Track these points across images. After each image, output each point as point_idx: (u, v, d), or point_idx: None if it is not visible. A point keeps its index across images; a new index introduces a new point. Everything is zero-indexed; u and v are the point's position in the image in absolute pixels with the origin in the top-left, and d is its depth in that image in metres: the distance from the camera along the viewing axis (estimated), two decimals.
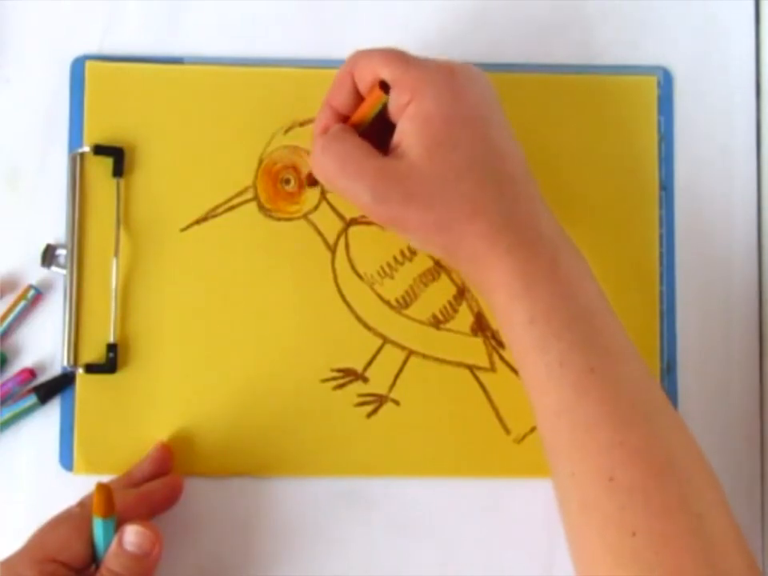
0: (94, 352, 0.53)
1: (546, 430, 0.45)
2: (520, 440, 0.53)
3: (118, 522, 0.47)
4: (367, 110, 0.48)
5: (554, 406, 0.44)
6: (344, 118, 0.49)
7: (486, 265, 0.45)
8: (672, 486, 0.42)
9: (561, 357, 0.44)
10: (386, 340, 0.53)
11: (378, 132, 0.48)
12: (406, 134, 0.46)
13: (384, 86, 0.46)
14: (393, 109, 0.47)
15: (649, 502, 0.41)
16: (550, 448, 0.45)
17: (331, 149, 0.47)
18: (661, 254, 0.54)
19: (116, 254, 0.53)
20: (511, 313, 0.45)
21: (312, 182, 0.53)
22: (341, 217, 0.54)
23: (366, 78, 0.47)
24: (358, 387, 0.53)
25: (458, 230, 0.45)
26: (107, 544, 0.46)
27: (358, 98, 0.48)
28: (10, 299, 0.53)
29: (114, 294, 0.53)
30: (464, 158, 0.45)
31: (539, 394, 0.45)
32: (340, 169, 0.47)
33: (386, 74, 0.46)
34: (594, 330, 0.45)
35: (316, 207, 0.54)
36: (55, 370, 0.53)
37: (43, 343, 0.53)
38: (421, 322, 0.53)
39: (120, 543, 0.46)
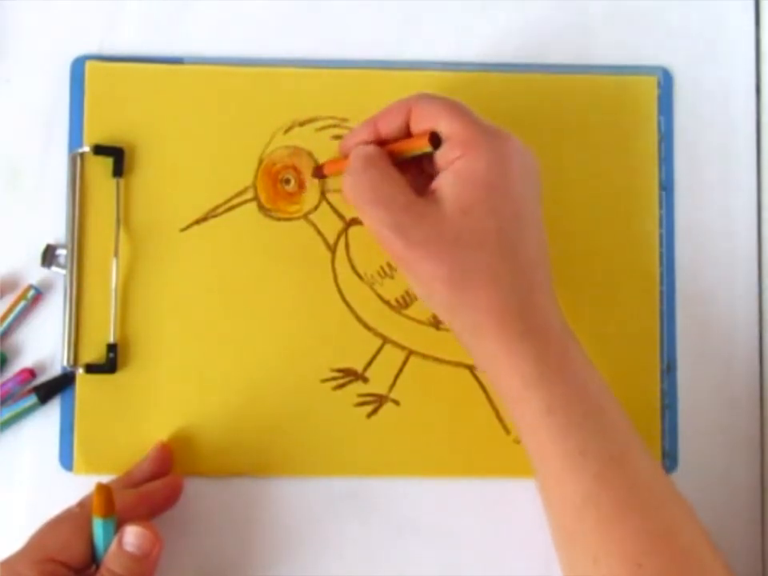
0: (94, 352, 0.53)
1: (564, 517, 0.45)
2: (520, 440, 0.53)
3: (117, 522, 0.47)
4: (407, 149, 0.48)
5: (576, 495, 0.44)
6: (380, 142, 0.48)
7: (496, 346, 0.45)
8: (696, 571, 0.43)
9: (581, 446, 0.44)
10: (385, 340, 0.53)
11: (411, 167, 0.48)
12: (447, 184, 0.46)
13: (434, 139, 0.46)
14: (441, 158, 0.47)
15: None
16: (568, 535, 0.45)
17: (369, 174, 0.47)
18: (661, 253, 0.54)
19: (116, 254, 0.53)
20: (525, 401, 0.45)
21: (319, 174, 0.53)
22: (341, 217, 0.54)
23: (422, 120, 0.47)
24: (357, 387, 0.53)
25: (469, 293, 0.45)
26: (107, 544, 0.46)
27: (405, 132, 0.48)
28: (9, 299, 0.53)
29: (113, 294, 0.53)
30: (494, 227, 0.45)
31: (558, 482, 0.45)
32: (370, 195, 0.47)
33: (443, 126, 0.46)
34: (608, 418, 0.45)
35: (316, 207, 0.54)
36: (55, 370, 0.53)
37: (43, 343, 0.53)
38: (421, 322, 0.53)
39: (120, 544, 0.46)
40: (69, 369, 0.52)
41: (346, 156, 0.49)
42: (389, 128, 0.48)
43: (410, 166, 0.48)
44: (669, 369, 0.54)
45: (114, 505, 0.46)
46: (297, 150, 0.54)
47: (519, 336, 0.45)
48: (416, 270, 0.46)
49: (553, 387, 0.44)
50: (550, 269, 0.47)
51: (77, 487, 0.50)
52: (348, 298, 0.53)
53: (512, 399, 0.46)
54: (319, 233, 0.54)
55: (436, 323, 0.53)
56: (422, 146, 0.47)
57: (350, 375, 0.53)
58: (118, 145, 0.53)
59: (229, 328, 0.53)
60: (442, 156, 0.46)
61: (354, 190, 0.47)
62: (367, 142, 0.48)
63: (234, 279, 0.53)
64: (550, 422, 0.44)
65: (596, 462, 0.44)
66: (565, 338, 0.46)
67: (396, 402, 0.53)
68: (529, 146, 0.48)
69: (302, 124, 0.54)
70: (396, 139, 0.48)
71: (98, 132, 0.53)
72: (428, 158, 0.47)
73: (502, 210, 0.46)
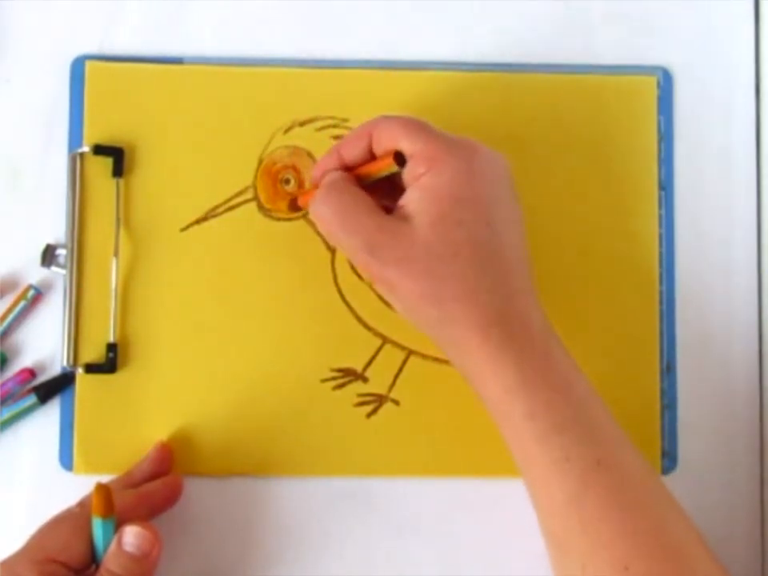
0: (93, 352, 0.53)
1: (551, 522, 0.45)
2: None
3: (117, 522, 0.47)
4: (374, 171, 0.48)
5: (561, 498, 0.44)
6: (348, 168, 0.49)
7: (478, 356, 0.45)
8: (686, 572, 0.42)
9: (566, 451, 0.44)
10: (385, 340, 0.53)
11: (378, 187, 0.48)
12: (414, 201, 0.46)
13: (398, 158, 0.46)
14: (406, 175, 0.47)
15: None
16: (556, 540, 0.45)
17: (331, 199, 0.47)
18: (661, 253, 0.54)
19: (116, 254, 0.53)
20: (509, 407, 0.45)
21: (294, 207, 0.53)
22: None
23: (383, 142, 0.47)
24: (357, 387, 0.53)
25: (447, 307, 0.45)
26: (107, 544, 0.46)
27: (369, 156, 0.48)
28: (9, 299, 0.53)
29: (113, 294, 0.53)
30: (465, 238, 0.45)
31: (543, 487, 0.45)
32: (339, 221, 0.46)
33: (405, 145, 0.46)
34: (594, 421, 0.45)
35: None
36: (55, 370, 0.53)
37: (43, 343, 0.53)
38: None
39: (119, 544, 0.46)
40: (69, 369, 0.52)
41: (317, 186, 0.49)
42: (352, 154, 0.48)
43: (379, 186, 0.48)
44: (668, 369, 0.54)
45: (113, 505, 0.46)
46: (297, 150, 0.54)
47: (499, 345, 0.44)
48: (394, 288, 0.46)
49: (535, 393, 0.44)
50: (531, 272, 0.47)
51: (77, 487, 0.50)
52: (348, 298, 0.53)
53: (495, 406, 0.46)
54: (319, 233, 0.54)
55: None
56: (387, 166, 0.47)
57: (349, 375, 0.53)
58: (117, 145, 0.53)
59: (229, 328, 0.53)
60: (408, 173, 0.46)
61: (322, 218, 0.47)
62: (334, 170, 0.49)
63: (234, 279, 0.53)
64: (533, 426, 0.44)
65: (580, 465, 0.43)
66: (547, 342, 0.46)
67: (396, 402, 0.53)
68: (497, 152, 0.47)
69: (302, 124, 0.54)
70: (361, 164, 0.48)
71: (98, 132, 0.53)
72: (397, 175, 0.47)
73: (472, 219, 0.45)
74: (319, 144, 0.54)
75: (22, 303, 0.53)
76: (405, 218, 0.46)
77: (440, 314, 0.45)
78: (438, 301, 0.45)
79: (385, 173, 0.47)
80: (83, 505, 0.48)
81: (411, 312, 0.47)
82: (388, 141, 0.47)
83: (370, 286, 0.53)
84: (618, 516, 0.43)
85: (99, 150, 0.53)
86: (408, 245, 0.45)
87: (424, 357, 0.53)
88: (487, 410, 0.47)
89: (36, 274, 0.53)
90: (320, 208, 0.47)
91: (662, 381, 0.54)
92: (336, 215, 0.47)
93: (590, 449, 0.44)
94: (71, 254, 0.53)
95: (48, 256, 0.53)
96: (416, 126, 0.47)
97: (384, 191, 0.48)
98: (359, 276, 0.53)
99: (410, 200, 0.46)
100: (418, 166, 0.46)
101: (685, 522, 0.44)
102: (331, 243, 0.48)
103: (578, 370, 0.46)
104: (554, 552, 0.45)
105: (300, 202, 0.52)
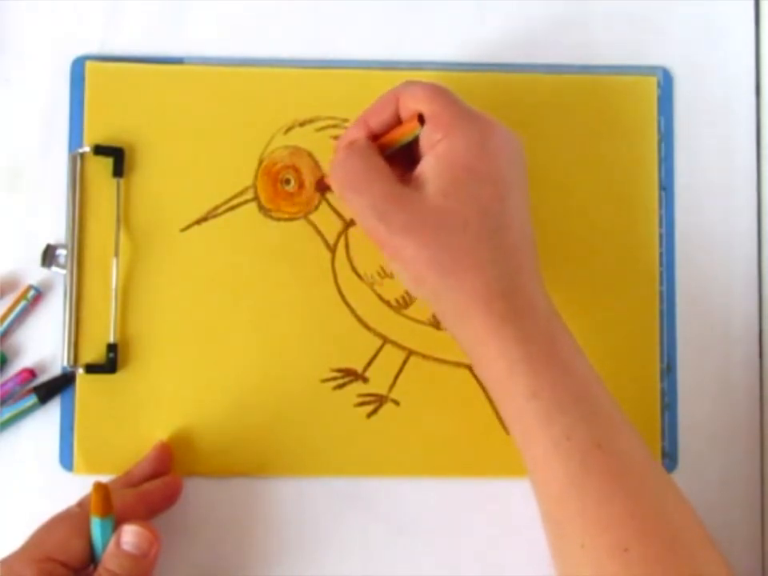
0: (93, 352, 0.53)
1: (551, 503, 0.45)
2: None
3: (116, 521, 0.47)
4: (398, 137, 0.48)
5: (562, 480, 0.44)
6: (374, 137, 0.49)
7: (481, 329, 0.45)
8: (684, 555, 0.42)
9: (567, 431, 0.44)
10: (386, 340, 0.53)
11: (404, 160, 0.48)
12: (429, 168, 0.46)
13: (422, 119, 0.46)
14: (424, 142, 0.47)
15: (665, 572, 0.42)
16: (556, 521, 0.45)
17: (351, 162, 0.47)
18: (661, 253, 0.54)
19: (116, 254, 0.53)
20: (510, 385, 0.45)
21: (322, 187, 0.53)
22: (341, 217, 0.54)
23: (408, 107, 0.47)
24: (357, 387, 0.53)
25: (453, 276, 0.45)
26: (105, 543, 0.46)
27: (396, 123, 0.48)
28: (9, 299, 0.53)
29: (114, 294, 0.53)
30: (476, 211, 0.45)
31: (543, 468, 0.45)
32: (352, 182, 0.47)
33: (426, 108, 0.46)
34: (595, 404, 0.45)
35: (316, 207, 0.54)
36: (55, 370, 0.53)
37: (43, 343, 0.53)
38: (421, 322, 0.53)
39: (118, 543, 0.46)
40: (69, 369, 0.52)
41: None
42: (379, 121, 0.48)
43: (400, 159, 0.48)
44: (669, 369, 0.54)
45: (111, 504, 0.46)
46: (297, 150, 0.54)
47: (504, 318, 0.44)
48: (400, 255, 0.46)
49: (539, 371, 0.44)
50: (536, 254, 0.47)
51: (77, 487, 0.50)
52: (348, 298, 0.53)
53: (498, 383, 0.45)
54: (319, 233, 0.54)
55: (436, 323, 0.53)
56: (411, 129, 0.47)
57: (350, 375, 0.53)
58: (117, 145, 0.53)
59: (229, 328, 0.53)
60: (425, 140, 0.47)
61: (337, 178, 0.48)
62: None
63: (234, 279, 0.53)
64: (535, 406, 0.44)
65: (582, 446, 0.43)
66: (552, 322, 0.46)
67: (396, 402, 0.53)
68: (514, 131, 0.47)
69: (302, 124, 0.54)
70: (387, 131, 0.48)
71: (98, 132, 0.53)
72: (416, 150, 0.47)
73: (483, 193, 0.45)
74: (319, 144, 0.54)
75: (22, 303, 0.53)
76: (419, 187, 0.46)
77: (445, 283, 0.45)
78: (444, 270, 0.45)
79: (409, 137, 0.47)
80: (82, 504, 0.48)
81: (416, 281, 0.46)
82: (413, 103, 0.47)
83: (371, 287, 0.53)
84: (618, 499, 0.43)
85: (99, 150, 0.53)
86: (418, 212, 0.45)
87: (424, 357, 0.53)
88: (489, 390, 0.46)
89: (36, 274, 0.53)
90: (336, 169, 0.48)
91: (661, 381, 0.54)
92: (350, 178, 0.47)
93: (592, 429, 0.44)
94: (71, 254, 0.53)
95: (48, 256, 0.53)
96: (437, 91, 0.47)
97: (405, 166, 0.48)
98: (359, 276, 0.54)
99: (425, 167, 0.46)
100: (435, 131, 0.46)
101: (684, 505, 0.44)
102: (344, 206, 0.49)
103: (581, 352, 0.46)
104: (553, 534, 0.45)
105: (327, 180, 0.52)
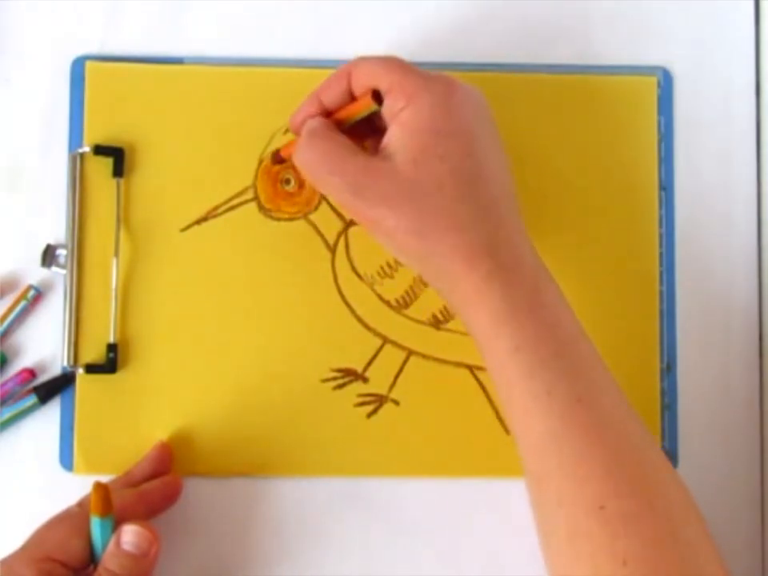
0: (93, 352, 0.53)
1: (531, 458, 0.45)
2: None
3: (116, 521, 0.47)
4: (353, 113, 0.48)
5: (541, 434, 0.44)
6: (327, 114, 0.49)
7: (466, 287, 0.45)
8: (662, 514, 0.42)
9: (548, 386, 0.43)
10: (386, 340, 0.53)
11: (359, 132, 0.49)
12: (395, 138, 0.46)
13: (376, 97, 0.47)
14: (386, 113, 0.47)
15: (642, 530, 0.41)
16: (536, 477, 0.45)
17: (316, 144, 0.47)
18: (661, 254, 0.54)
19: (116, 254, 0.53)
20: (494, 339, 0.45)
21: (278, 158, 0.52)
22: (341, 217, 0.54)
23: (362, 82, 0.47)
24: (357, 387, 0.53)
25: (434, 240, 0.45)
26: (105, 543, 0.46)
27: (349, 99, 0.48)
28: (9, 299, 0.53)
29: (114, 294, 0.53)
30: (448, 170, 0.45)
31: (524, 422, 0.44)
32: (324, 164, 0.47)
33: (384, 81, 0.46)
34: (579, 360, 0.44)
35: (316, 207, 0.54)
36: (55, 370, 0.53)
37: (43, 343, 0.53)
38: (421, 322, 0.53)
39: (117, 543, 0.46)
40: (69, 369, 0.52)
41: (297, 134, 0.49)
42: (332, 97, 0.49)
43: (360, 131, 0.49)
44: (669, 369, 0.54)
45: (111, 503, 0.46)
46: None
47: (486, 275, 0.44)
48: (381, 227, 0.46)
49: (522, 324, 0.44)
50: (517, 205, 0.47)
51: (77, 487, 0.50)
52: (348, 298, 0.53)
53: (483, 338, 0.45)
54: (319, 233, 0.54)
55: (436, 323, 0.53)
56: (366, 106, 0.47)
57: (350, 375, 0.53)
58: (117, 145, 0.53)
59: (229, 328, 0.53)
60: (387, 110, 0.47)
61: (304, 164, 0.48)
62: (313, 116, 0.49)
63: (234, 279, 0.53)
64: (518, 359, 0.44)
65: (562, 401, 0.43)
66: (537, 275, 0.45)
67: (396, 402, 0.53)
68: (474, 86, 0.47)
69: None
70: (341, 107, 0.48)
71: (98, 132, 0.53)
72: (378, 117, 0.48)
73: (453, 151, 0.45)
74: None
75: (22, 303, 0.53)
76: (388, 157, 0.46)
77: (427, 248, 0.45)
78: (423, 235, 0.45)
79: (364, 113, 0.48)
80: (82, 504, 0.48)
81: (399, 250, 0.47)
82: (367, 78, 0.47)
83: (371, 287, 0.53)
84: (596, 456, 0.42)
85: (99, 150, 0.53)
86: (391, 182, 0.45)
87: (424, 357, 0.53)
88: (476, 346, 0.46)
89: (36, 274, 0.53)
90: (304, 155, 0.48)
91: (661, 381, 0.54)
92: (320, 160, 0.47)
93: (573, 386, 0.44)
94: (71, 254, 0.53)
95: (48, 256, 0.53)
96: (393, 63, 0.47)
97: (366, 136, 0.49)
98: (359, 276, 0.54)
99: (391, 137, 0.46)
100: (397, 101, 0.46)
101: (663, 464, 0.44)
102: (317, 188, 0.49)
103: (568, 308, 0.46)
104: (533, 490, 0.45)
105: (283, 153, 0.52)
